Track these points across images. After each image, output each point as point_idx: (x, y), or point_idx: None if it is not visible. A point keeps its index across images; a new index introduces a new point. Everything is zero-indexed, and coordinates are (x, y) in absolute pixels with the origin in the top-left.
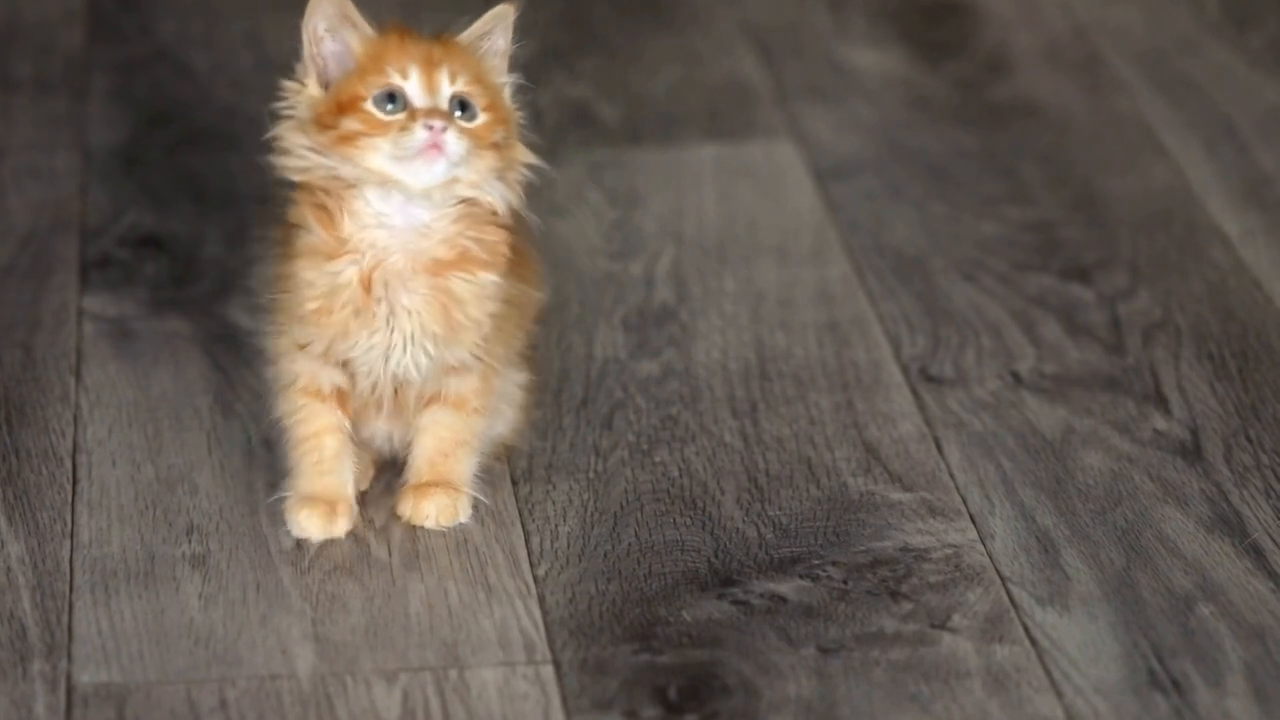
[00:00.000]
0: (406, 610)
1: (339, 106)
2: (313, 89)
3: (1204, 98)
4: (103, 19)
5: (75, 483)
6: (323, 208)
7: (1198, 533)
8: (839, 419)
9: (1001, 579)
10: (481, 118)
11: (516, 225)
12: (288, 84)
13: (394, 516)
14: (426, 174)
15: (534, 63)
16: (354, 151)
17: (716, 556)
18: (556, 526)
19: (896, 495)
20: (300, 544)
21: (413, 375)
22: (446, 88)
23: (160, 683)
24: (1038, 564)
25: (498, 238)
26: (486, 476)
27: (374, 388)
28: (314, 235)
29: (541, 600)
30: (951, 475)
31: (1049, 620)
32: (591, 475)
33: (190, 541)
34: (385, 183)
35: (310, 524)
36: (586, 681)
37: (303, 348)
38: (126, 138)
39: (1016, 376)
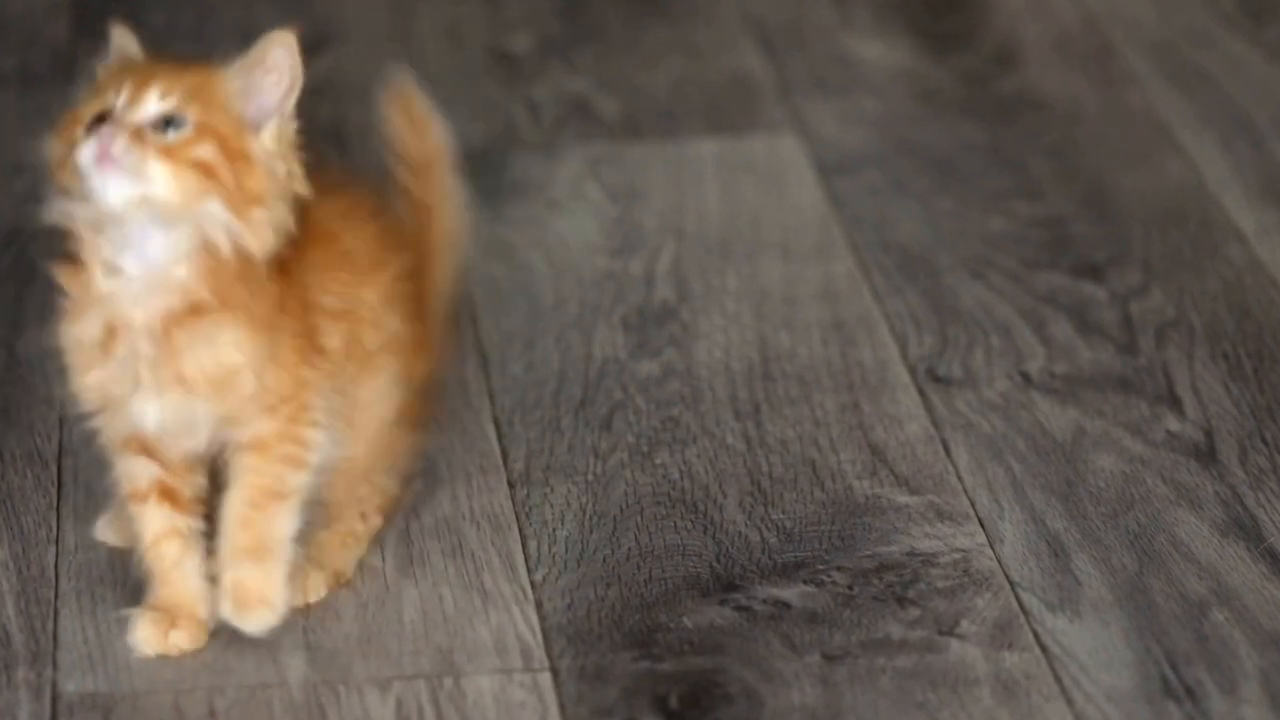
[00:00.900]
0: (400, 617)
1: (59, 133)
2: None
3: (1219, 90)
4: (89, 11)
5: (60, 486)
6: (75, 262)
7: (1212, 537)
8: (844, 420)
9: (1011, 584)
10: (185, 131)
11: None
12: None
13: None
14: (103, 187)
15: (532, 56)
16: (62, 178)
17: (718, 561)
18: (554, 530)
19: (903, 498)
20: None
21: (170, 431)
22: (154, 104)
23: (147, 692)
24: (1048, 569)
25: (234, 284)
26: (479, 480)
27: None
28: (67, 293)
29: (539, 606)
30: (960, 478)
31: (1059, 626)
32: (590, 478)
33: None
34: (97, 213)
35: (141, 635)
36: (585, 689)
37: (124, 444)
38: None
39: (1026, 377)
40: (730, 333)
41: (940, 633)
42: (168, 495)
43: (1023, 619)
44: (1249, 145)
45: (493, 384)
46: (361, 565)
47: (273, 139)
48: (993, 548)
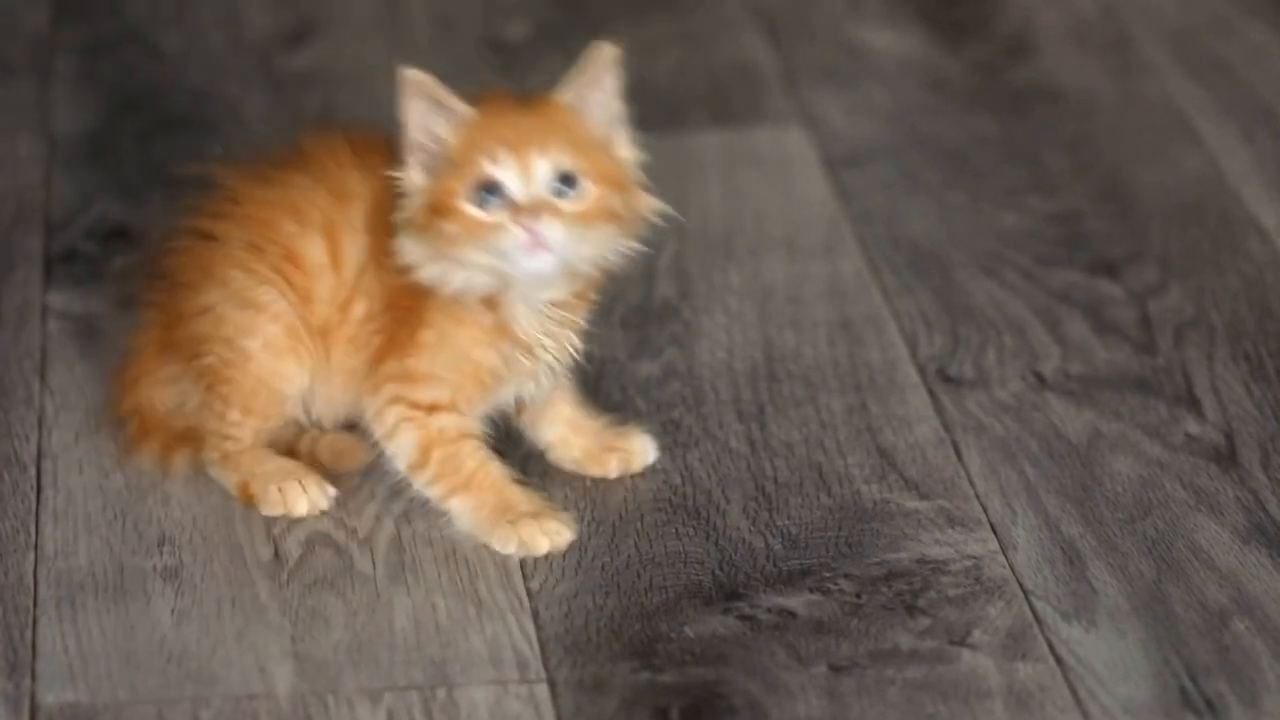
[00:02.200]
0: (392, 626)
1: (435, 208)
2: (415, 177)
3: (1239, 81)
4: (69, 1)
5: (40, 491)
6: (485, 302)
7: (1233, 543)
8: (851, 423)
9: (1024, 592)
10: (589, 191)
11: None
12: (394, 173)
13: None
14: (535, 267)
15: (528, 44)
16: (460, 253)
17: (721, 569)
18: None
19: (913, 504)
20: (279, 556)
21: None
22: (545, 169)
23: (130, 703)
24: (1063, 576)
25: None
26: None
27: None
28: (472, 311)
29: (535, 615)
30: (971, 482)
31: (1075, 636)
32: (588, 483)
33: (162, 553)
34: (505, 279)
35: (554, 534)
36: (583, 701)
37: (437, 409)
38: (94, 123)
39: (1040, 377)
40: (733, 332)
41: (951, 643)
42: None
43: (1036, 629)
44: (1270, 137)
45: None
46: (351, 572)
47: (627, 150)
48: (1005, 555)
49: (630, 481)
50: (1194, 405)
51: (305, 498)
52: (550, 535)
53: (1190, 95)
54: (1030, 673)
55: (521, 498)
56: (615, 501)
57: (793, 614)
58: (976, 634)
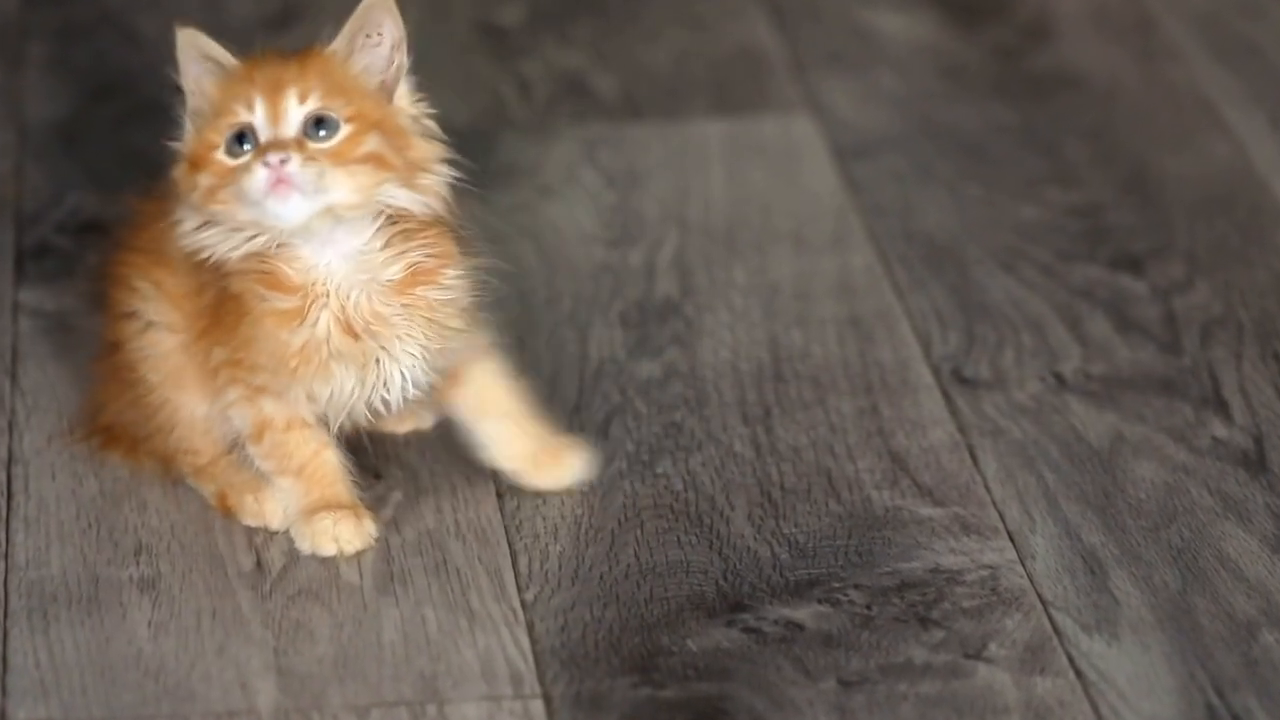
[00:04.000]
0: (379, 639)
1: (193, 164)
2: (188, 141)
3: (1269, 65)
4: None
5: (10, 497)
6: (265, 272)
7: (1262, 552)
8: (862, 426)
9: (1043, 604)
10: (343, 131)
11: None
12: (172, 145)
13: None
14: (284, 211)
15: (522, 29)
16: (220, 209)
17: (725, 579)
18: (547, 545)
19: (926, 510)
20: (261, 565)
21: (403, 402)
22: (296, 110)
23: (105, 719)
24: (1083, 587)
25: (438, 235)
26: (468, 492)
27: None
28: (270, 301)
29: (530, 627)
30: (987, 488)
31: (1096, 649)
32: (586, 488)
33: (139, 563)
34: (271, 231)
35: (344, 531)
36: (580, 717)
37: (264, 392)
38: (66, 112)
39: (1060, 378)
40: (738, 331)
41: (966, 656)
42: (320, 423)
43: (1056, 641)
44: None
45: None
46: (337, 583)
47: (409, 101)
48: (1023, 564)
49: (630, 487)
50: (1221, 407)
51: (282, 509)
52: (339, 541)
53: (1217, 81)
54: (1049, 688)
55: (344, 497)
56: (614, 508)
57: (800, 626)
58: (993, 647)
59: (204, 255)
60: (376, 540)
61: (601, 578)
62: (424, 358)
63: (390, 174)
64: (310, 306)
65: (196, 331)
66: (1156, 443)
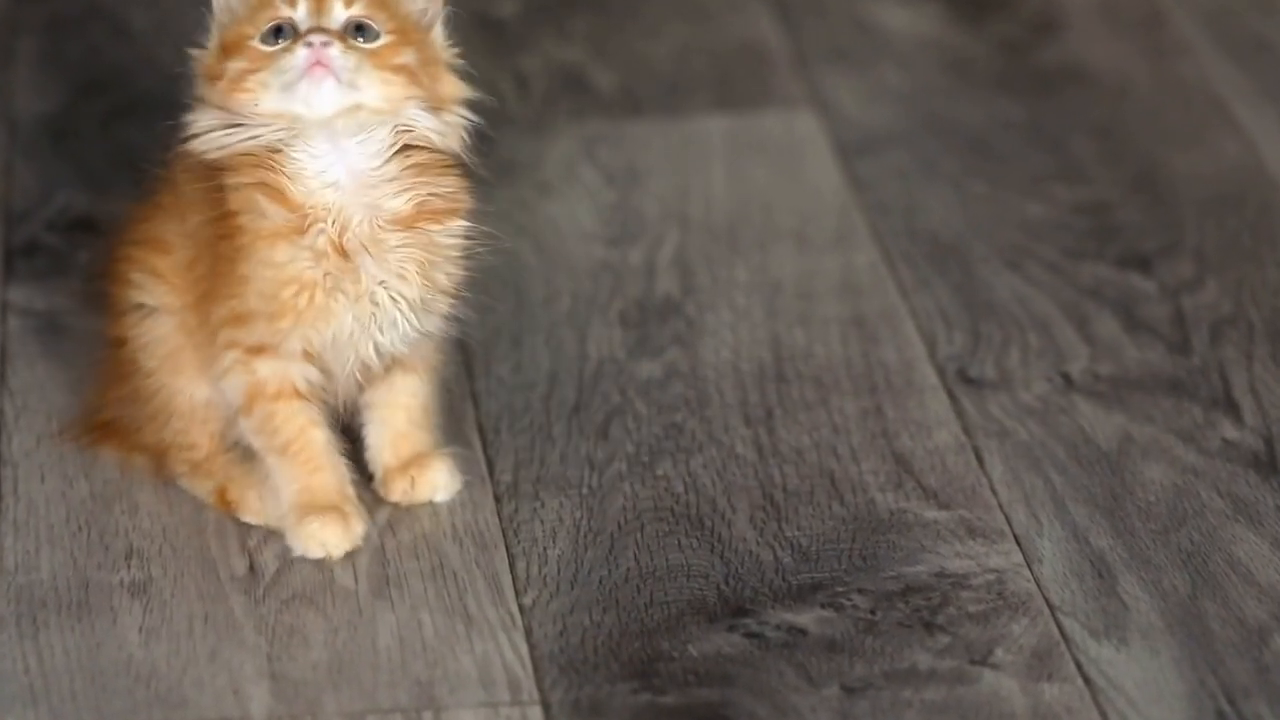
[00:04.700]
0: (375, 644)
1: (224, 51)
2: (214, 44)
3: None
4: None
5: None
6: (264, 184)
7: (1273, 556)
8: (866, 427)
9: (1050, 608)
10: (384, 39)
11: None
12: (193, 52)
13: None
14: (316, 97)
15: (520, 22)
16: (245, 96)
17: (727, 583)
18: (545, 549)
19: (931, 513)
20: (254, 569)
21: (397, 348)
22: (340, 10)
23: None
24: (1091, 591)
25: (455, 184)
26: (465, 494)
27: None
28: (269, 216)
29: (528, 633)
30: (994, 491)
31: (1104, 655)
32: (585, 491)
33: (129, 567)
34: (292, 127)
35: (328, 536)
36: None
37: (261, 351)
38: (56, 107)
39: (1067, 379)
40: (740, 330)
41: (972, 662)
42: (316, 396)
43: (1064, 647)
44: None
45: (477, 387)
46: (331, 587)
47: (442, 43)
48: (1030, 568)
49: (630, 489)
50: (1231, 408)
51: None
52: (326, 545)
53: (1228, 77)
54: (1057, 694)
55: (331, 486)
56: (614, 510)
57: (803, 631)
58: (999, 653)
59: (214, 152)
60: (365, 540)
61: (601, 582)
62: (415, 307)
63: (420, 92)
64: (310, 226)
65: (194, 300)
66: (1166, 444)
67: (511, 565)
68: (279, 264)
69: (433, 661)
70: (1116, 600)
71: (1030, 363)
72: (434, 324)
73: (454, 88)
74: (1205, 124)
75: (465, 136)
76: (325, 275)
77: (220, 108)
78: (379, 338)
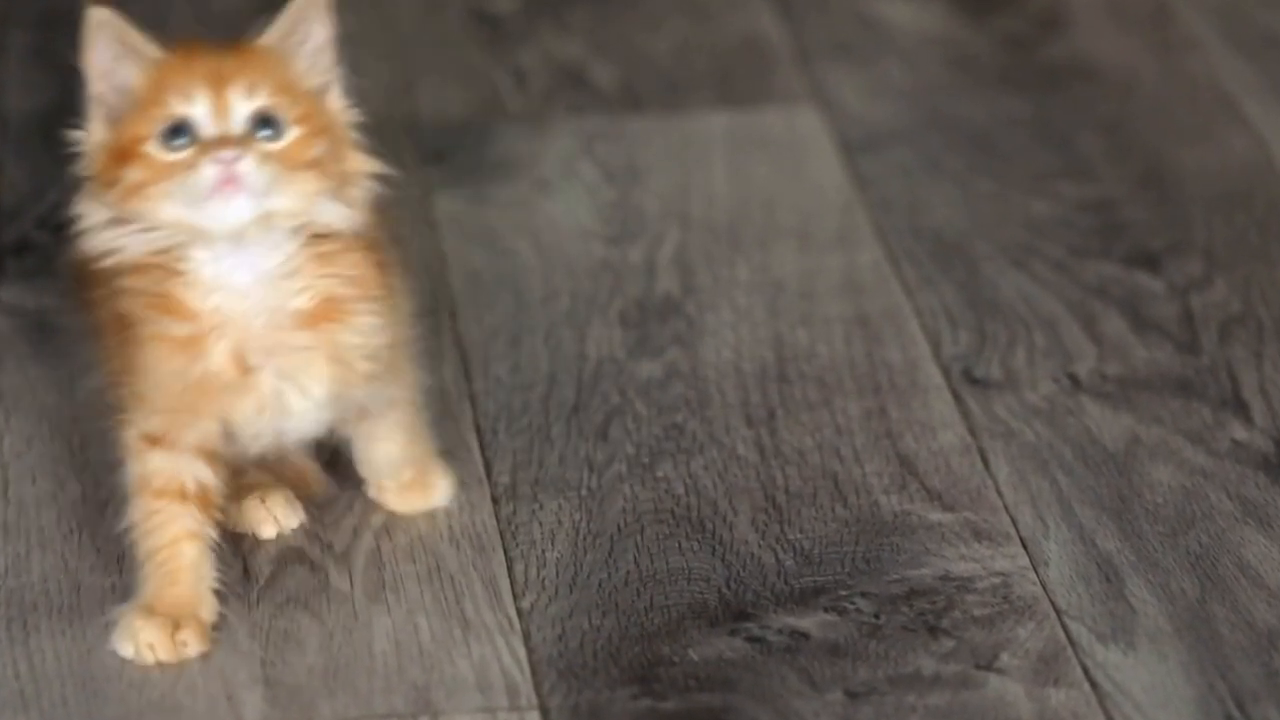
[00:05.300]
0: (371, 649)
1: (119, 154)
2: (97, 134)
3: None
4: None
5: None
6: (159, 295)
7: None
8: (869, 428)
9: (1057, 612)
10: (292, 133)
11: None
12: (74, 134)
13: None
14: (227, 214)
15: (518, 17)
16: (144, 207)
17: (728, 587)
18: (544, 552)
19: (936, 516)
20: (248, 573)
21: (311, 434)
22: (242, 106)
23: None
24: (1099, 595)
25: (362, 264)
26: (461, 497)
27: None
28: (161, 326)
29: (526, 637)
30: (999, 492)
31: (1112, 660)
32: (584, 493)
33: (122, 570)
34: (194, 235)
35: (145, 639)
36: None
37: (157, 442)
38: (48, 103)
39: (1074, 379)
40: (741, 330)
41: (977, 667)
42: (204, 499)
43: (1070, 651)
44: None
45: (474, 388)
46: (327, 591)
47: (340, 106)
48: (1036, 571)
49: (629, 491)
50: (1241, 409)
51: (271, 518)
52: (137, 644)
53: (1236, 72)
54: (1063, 699)
55: (182, 603)
56: (613, 513)
57: (805, 635)
58: (1005, 657)
59: (105, 254)
60: (195, 654)
61: (600, 585)
62: (326, 400)
63: (330, 183)
64: (203, 334)
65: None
66: (1174, 445)
67: (509, 568)
68: (175, 371)
69: (429, 666)
70: (1124, 604)
71: (1036, 363)
72: (360, 400)
73: (358, 164)
74: (1213, 120)
75: (365, 209)
76: (224, 383)
77: (116, 209)
78: (288, 430)
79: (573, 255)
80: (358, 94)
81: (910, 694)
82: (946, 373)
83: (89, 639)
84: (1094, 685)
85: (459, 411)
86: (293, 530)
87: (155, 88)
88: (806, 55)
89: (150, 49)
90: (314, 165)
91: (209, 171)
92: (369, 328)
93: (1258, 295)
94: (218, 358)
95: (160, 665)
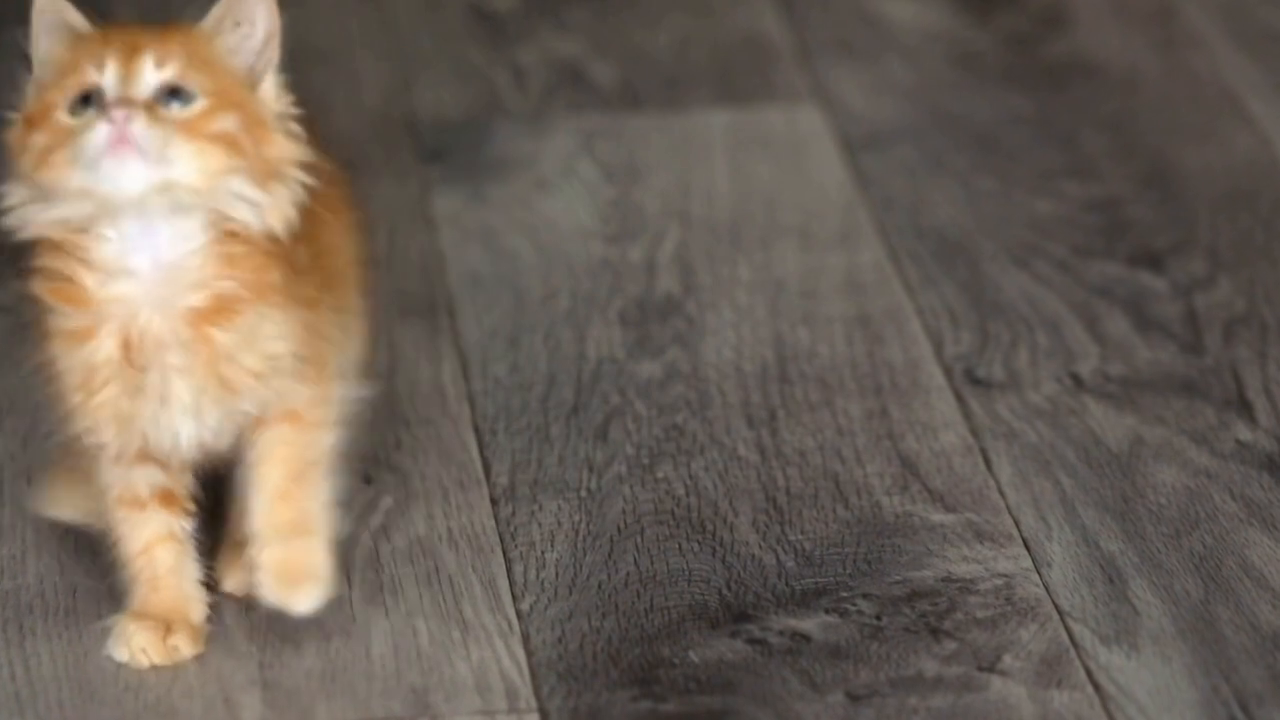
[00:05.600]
0: (368, 651)
1: (30, 123)
2: (20, 117)
3: None
4: None
5: None
6: (60, 276)
7: None
8: (871, 428)
9: (1060, 614)
10: (198, 103)
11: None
12: (8, 114)
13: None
14: (121, 176)
15: (517, 14)
16: (51, 174)
17: (729, 588)
18: (543, 553)
19: (938, 517)
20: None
21: (208, 444)
22: (151, 75)
23: None
24: (1102, 597)
25: (267, 268)
26: (458, 497)
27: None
28: (57, 312)
29: (526, 639)
30: (1002, 493)
31: (1115, 662)
32: (584, 494)
33: (118, 572)
34: (100, 206)
35: (137, 644)
36: None
37: (100, 450)
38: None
39: (1077, 379)
40: (742, 329)
41: (980, 669)
42: (166, 499)
43: (1073, 653)
44: None
45: (473, 388)
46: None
47: (274, 95)
48: (1039, 572)
49: (629, 492)
50: (1245, 409)
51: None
52: (131, 648)
53: (1241, 70)
54: (1066, 702)
55: (168, 606)
56: (613, 514)
57: (807, 637)
58: (1007, 659)
59: (24, 230)
60: (189, 657)
61: (600, 587)
62: (209, 408)
63: (242, 162)
64: (96, 324)
65: None
66: (1177, 446)
67: (508, 570)
68: (72, 366)
69: (428, 669)
70: (1127, 605)
71: (1039, 363)
72: (258, 407)
73: (285, 150)
74: (1217, 118)
75: (290, 212)
76: (114, 379)
77: (31, 181)
78: (183, 440)
79: (572, 254)
80: (352, 92)
81: (912, 696)
82: (948, 373)
83: (85, 642)
84: (1097, 688)
85: (457, 412)
86: None
87: (73, 58)
88: (808, 53)
89: (82, 24)
90: (221, 140)
91: (101, 129)
92: (255, 334)
93: (1262, 295)
94: (107, 347)
95: (155, 669)
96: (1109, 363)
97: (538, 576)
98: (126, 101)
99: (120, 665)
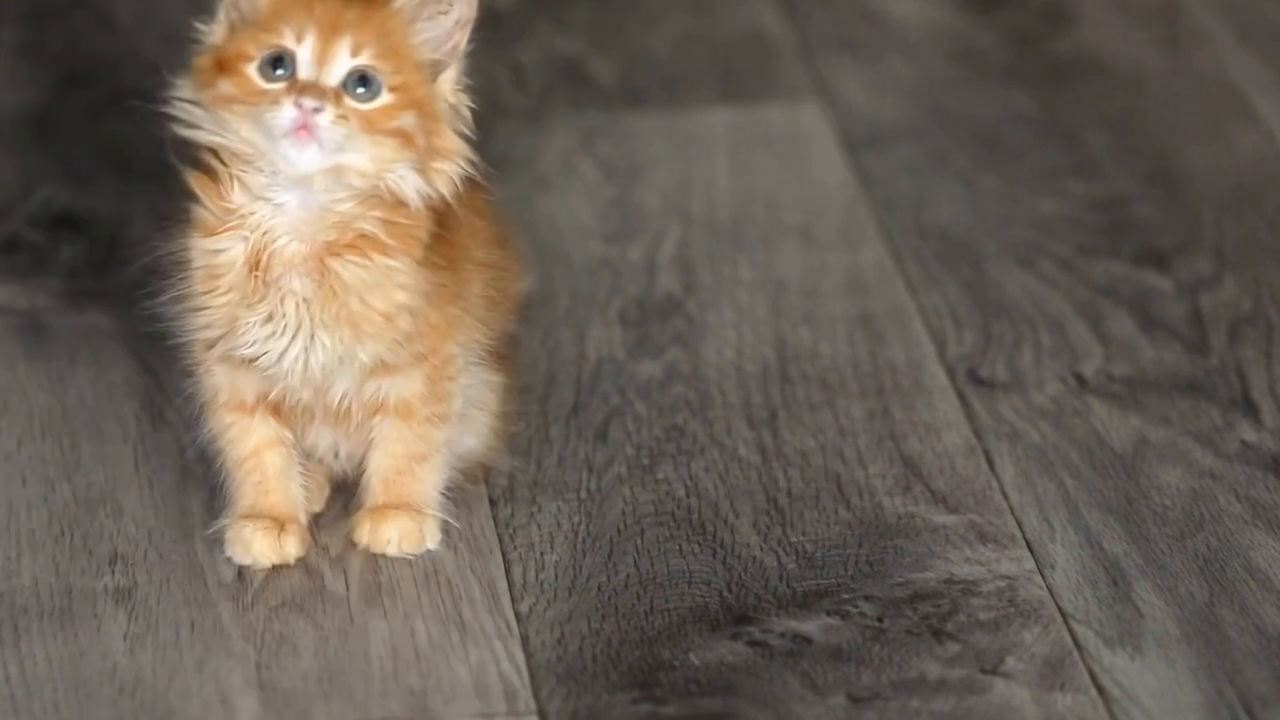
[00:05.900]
0: (367, 653)
1: (220, 64)
2: (216, 35)
3: None
4: None
5: None
6: (212, 175)
7: None
8: (873, 429)
9: (1063, 616)
10: (384, 99)
11: (487, 204)
12: (200, 25)
13: (351, 544)
14: (297, 158)
15: (516, 11)
16: (229, 118)
17: (730, 590)
18: (542, 555)
19: (940, 518)
20: (243, 575)
21: (315, 375)
22: (344, 60)
23: None
24: (1105, 599)
25: (413, 220)
26: (458, 496)
27: (296, 394)
28: (200, 205)
29: (525, 641)
30: (1005, 495)
31: (1119, 664)
32: (583, 495)
33: (114, 572)
34: (265, 160)
35: (255, 545)
36: None
37: (211, 347)
38: (38, 100)
39: (1081, 379)
40: (743, 329)
41: (983, 671)
42: (274, 408)
43: (1077, 656)
44: None
45: None
46: (322, 594)
47: (452, 88)
48: (1042, 574)
49: (629, 493)
50: (1250, 410)
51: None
52: (252, 551)
53: (1246, 67)
54: (1070, 704)
55: (280, 508)
56: (613, 515)
57: (808, 639)
58: (1010, 662)
59: (182, 125)
60: (298, 559)
61: (600, 588)
62: (323, 337)
63: (411, 156)
64: (229, 228)
65: None
66: (1182, 447)
67: (508, 571)
68: (190, 258)
69: (426, 671)
70: (1131, 608)
71: (1043, 363)
72: (373, 357)
73: (450, 143)
74: (1223, 116)
75: (451, 187)
76: (229, 285)
77: (201, 103)
78: (288, 362)
79: (572, 253)
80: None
81: (914, 699)
82: (951, 373)
83: (80, 643)
84: (1101, 690)
85: None
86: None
87: (273, 15)
88: (810, 50)
89: None
90: (397, 135)
91: (288, 112)
92: (387, 278)
93: (1268, 295)
94: (235, 253)
95: (152, 669)
96: (1113, 363)
97: (537, 578)
98: (318, 91)
99: (116, 666)
